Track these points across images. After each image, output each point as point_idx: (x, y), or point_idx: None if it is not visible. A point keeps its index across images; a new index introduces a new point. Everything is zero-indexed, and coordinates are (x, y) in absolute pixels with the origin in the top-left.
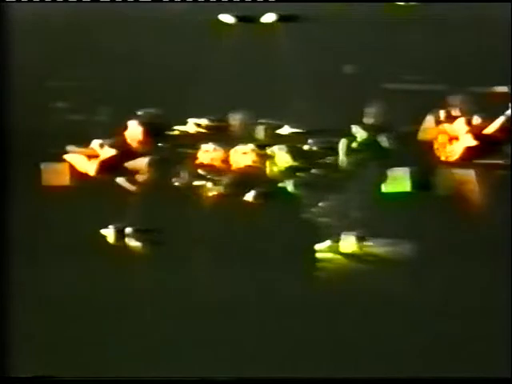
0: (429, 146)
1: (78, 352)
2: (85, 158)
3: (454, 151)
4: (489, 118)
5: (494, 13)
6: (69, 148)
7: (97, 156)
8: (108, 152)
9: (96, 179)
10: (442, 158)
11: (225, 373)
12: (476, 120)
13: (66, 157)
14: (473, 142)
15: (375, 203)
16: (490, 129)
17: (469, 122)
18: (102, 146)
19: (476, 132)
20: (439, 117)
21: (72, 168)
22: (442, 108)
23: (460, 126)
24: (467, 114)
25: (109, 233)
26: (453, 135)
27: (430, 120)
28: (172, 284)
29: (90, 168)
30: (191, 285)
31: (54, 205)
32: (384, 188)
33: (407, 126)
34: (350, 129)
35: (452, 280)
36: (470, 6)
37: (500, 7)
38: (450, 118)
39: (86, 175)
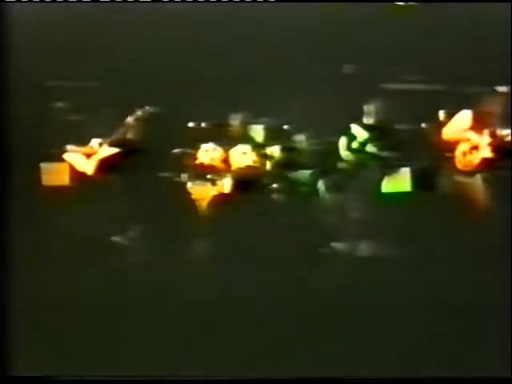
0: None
1: (78, 352)
2: (83, 157)
3: (472, 162)
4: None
5: (494, 13)
6: (68, 147)
7: (95, 155)
8: (107, 151)
9: (97, 179)
10: (459, 167)
11: (225, 373)
12: (499, 132)
13: (65, 156)
14: (490, 154)
15: (375, 203)
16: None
17: (492, 134)
18: (101, 144)
19: (495, 144)
20: (467, 120)
21: (72, 168)
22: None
23: (485, 137)
24: (492, 125)
25: (109, 232)
26: (474, 144)
27: (458, 120)
28: (172, 283)
29: (88, 167)
30: (192, 285)
31: (54, 205)
32: (384, 188)
33: (407, 126)
34: (350, 128)
35: (452, 280)
36: (470, 6)
37: (500, 7)
38: (478, 126)
39: (86, 175)
